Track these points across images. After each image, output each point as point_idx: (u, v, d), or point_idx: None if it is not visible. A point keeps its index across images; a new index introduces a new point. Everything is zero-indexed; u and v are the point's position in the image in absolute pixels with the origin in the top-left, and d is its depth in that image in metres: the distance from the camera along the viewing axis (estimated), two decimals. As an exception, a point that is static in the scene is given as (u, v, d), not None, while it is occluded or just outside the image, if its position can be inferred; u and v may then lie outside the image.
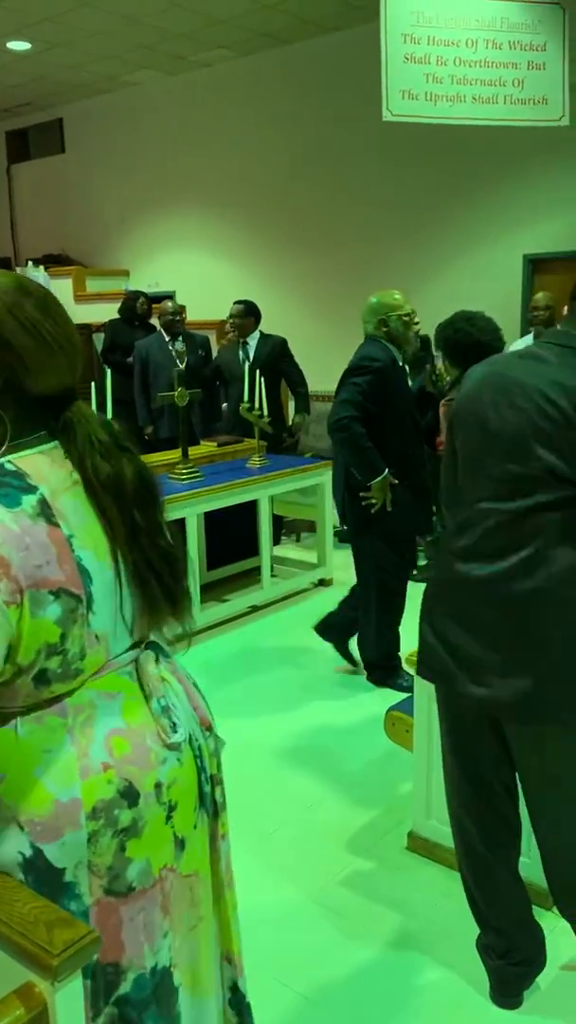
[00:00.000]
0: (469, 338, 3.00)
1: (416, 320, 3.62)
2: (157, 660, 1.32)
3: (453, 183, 7.08)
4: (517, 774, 1.92)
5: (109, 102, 9.50)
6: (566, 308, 1.89)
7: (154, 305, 7.00)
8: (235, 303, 5.79)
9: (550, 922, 2.23)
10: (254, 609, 4.83)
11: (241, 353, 5.63)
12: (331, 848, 2.68)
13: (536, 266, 6.87)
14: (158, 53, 8.08)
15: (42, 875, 1.16)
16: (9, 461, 1.17)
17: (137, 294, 7.19)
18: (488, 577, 1.73)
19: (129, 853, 1.21)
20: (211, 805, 1.39)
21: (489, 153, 6.72)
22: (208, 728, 1.40)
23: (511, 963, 2.02)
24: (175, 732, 1.28)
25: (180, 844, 1.30)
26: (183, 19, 7.16)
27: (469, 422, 1.80)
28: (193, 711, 1.37)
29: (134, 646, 1.31)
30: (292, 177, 8.09)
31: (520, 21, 5.59)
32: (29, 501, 1.13)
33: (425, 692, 2.48)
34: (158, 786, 1.25)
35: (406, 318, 3.49)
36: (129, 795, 1.21)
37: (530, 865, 2.20)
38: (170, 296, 8.59)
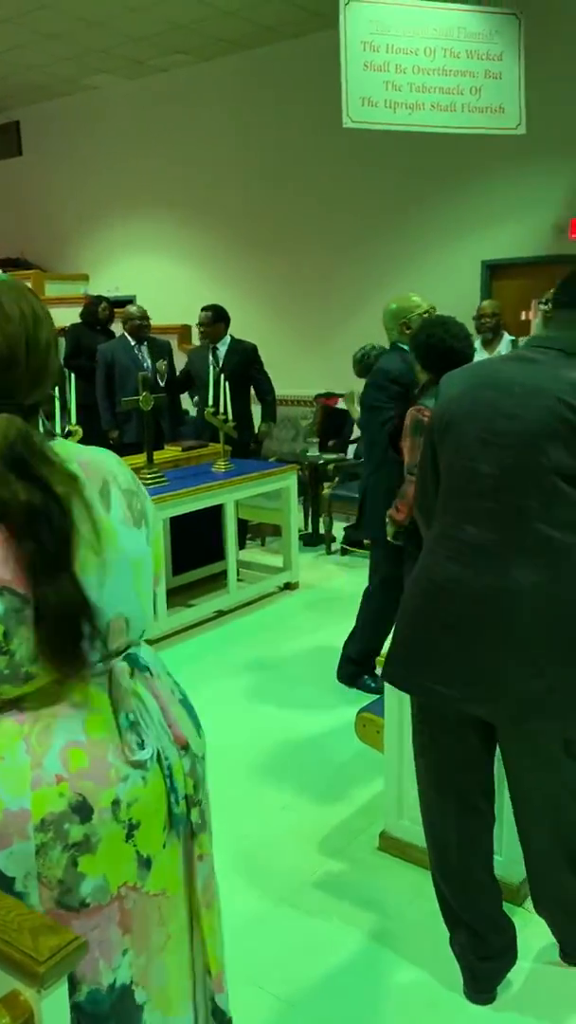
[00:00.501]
0: (443, 344, 2.97)
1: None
2: (132, 673, 1.30)
3: (413, 189, 7.16)
4: (508, 776, 1.94)
5: (67, 105, 9.43)
6: (532, 313, 1.94)
7: (118, 310, 6.96)
8: (203, 309, 5.78)
9: (521, 917, 2.26)
10: (220, 614, 4.83)
11: (211, 358, 5.62)
12: (303, 850, 2.68)
13: (494, 272, 6.97)
14: (117, 57, 8.05)
15: None
16: None
17: (99, 299, 7.14)
18: (504, 583, 1.73)
19: (82, 868, 1.19)
20: (185, 826, 1.35)
21: (448, 160, 6.81)
22: (184, 747, 1.36)
23: (484, 959, 2.05)
24: (141, 749, 1.25)
25: (145, 863, 1.27)
26: (142, 23, 7.15)
27: (465, 427, 1.79)
28: (167, 728, 1.33)
29: (109, 656, 1.28)
30: (251, 182, 8.11)
31: (477, 31, 5.67)
32: None
33: (396, 694, 2.50)
34: (116, 803, 1.22)
35: (426, 316, 3.49)
36: (81, 810, 1.19)
37: (501, 862, 2.23)
38: (131, 300, 8.55)
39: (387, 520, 3.31)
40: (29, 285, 1.44)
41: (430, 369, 3.03)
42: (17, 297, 1.22)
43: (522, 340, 4.15)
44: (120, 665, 1.28)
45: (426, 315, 3.52)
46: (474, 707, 1.81)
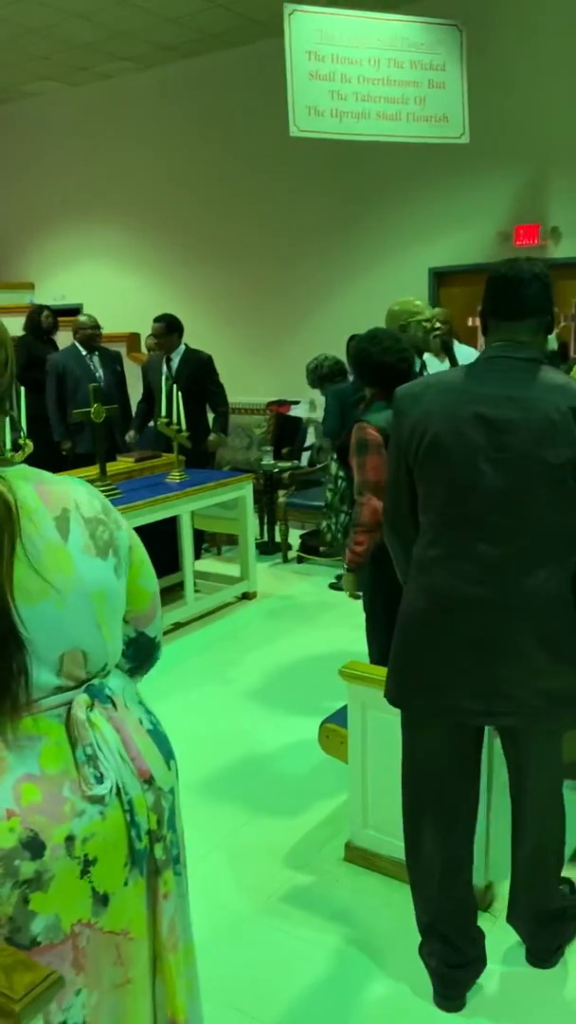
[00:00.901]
0: (371, 359, 2.90)
1: (437, 326, 3.62)
2: (92, 705, 1.27)
3: (361, 198, 7.21)
4: (512, 778, 2.02)
5: (9, 112, 9.30)
6: (475, 320, 1.98)
7: (66, 319, 6.88)
8: (155, 320, 5.71)
9: (487, 921, 2.29)
10: (178, 626, 4.79)
11: (165, 369, 5.59)
12: (269, 864, 2.68)
13: (441, 279, 7.05)
14: (60, 64, 7.96)
15: None
16: None
17: (41, 307, 7.02)
18: (521, 595, 1.80)
19: (33, 906, 1.16)
20: (148, 862, 1.32)
21: (395, 168, 6.87)
22: (147, 780, 1.32)
23: (454, 967, 2.06)
24: (99, 783, 1.23)
25: (102, 900, 1.24)
26: (84, 30, 7.09)
27: (459, 445, 1.80)
28: (129, 761, 1.30)
29: (68, 688, 1.26)
30: (198, 189, 8.08)
31: (420, 41, 5.74)
32: None
33: (358, 703, 2.51)
34: (70, 839, 1.20)
35: (427, 324, 3.45)
36: (32, 846, 1.17)
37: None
38: (77, 309, 8.46)
39: (345, 561, 3.04)
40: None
41: (368, 384, 2.99)
42: None
43: (477, 349, 4.19)
44: (79, 697, 1.26)
45: (427, 324, 3.45)
46: (500, 719, 1.87)
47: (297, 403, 7.41)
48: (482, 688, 1.82)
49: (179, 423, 4.76)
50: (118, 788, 1.26)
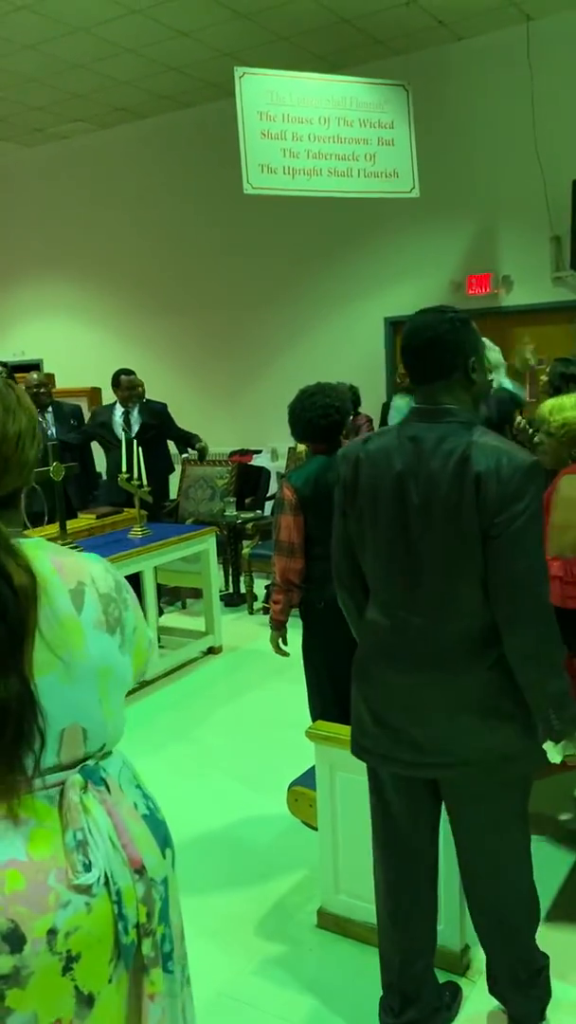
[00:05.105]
0: (294, 416, 2.97)
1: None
2: (86, 787, 1.21)
3: (315, 250, 7.33)
4: (454, 829, 1.98)
5: (-35, 172, 9.36)
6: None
7: (18, 374, 6.83)
8: (127, 372, 5.72)
9: (465, 986, 2.23)
10: (143, 684, 4.70)
11: (121, 422, 5.58)
12: (240, 935, 2.59)
13: (397, 328, 7.16)
14: (15, 125, 8.05)
15: None
16: None
17: None
18: (437, 649, 1.82)
19: (10, 1003, 1.10)
20: (134, 958, 1.23)
21: (348, 222, 7.01)
22: (138, 869, 1.24)
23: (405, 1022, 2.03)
24: (86, 872, 1.16)
25: (86, 1001, 1.16)
26: (40, 93, 7.19)
27: (388, 502, 1.83)
28: (121, 849, 1.22)
29: (64, 767, 1.20)
30: (156, 245, 8.17)
31: (368, 100, 5.91)
32: None
33: (326, 764, 2.46)
34: (52, 932, 1.12)
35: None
36: (12, 939, 1.10)
37: (441, 931, 2.20)
38: (37, 365, 8.45)
39: (270, 624, 3.09)
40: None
41: (300, 440, 3.07)
42: None
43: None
44: (73, 778, 1.20)
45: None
46: (429, 772, 1.88)
47: (259, 452, 7.42)
48: (413, 742, 1.85)
49: (140, 478, 4.73)
50: (106, 877, 1.19)
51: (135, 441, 4.87)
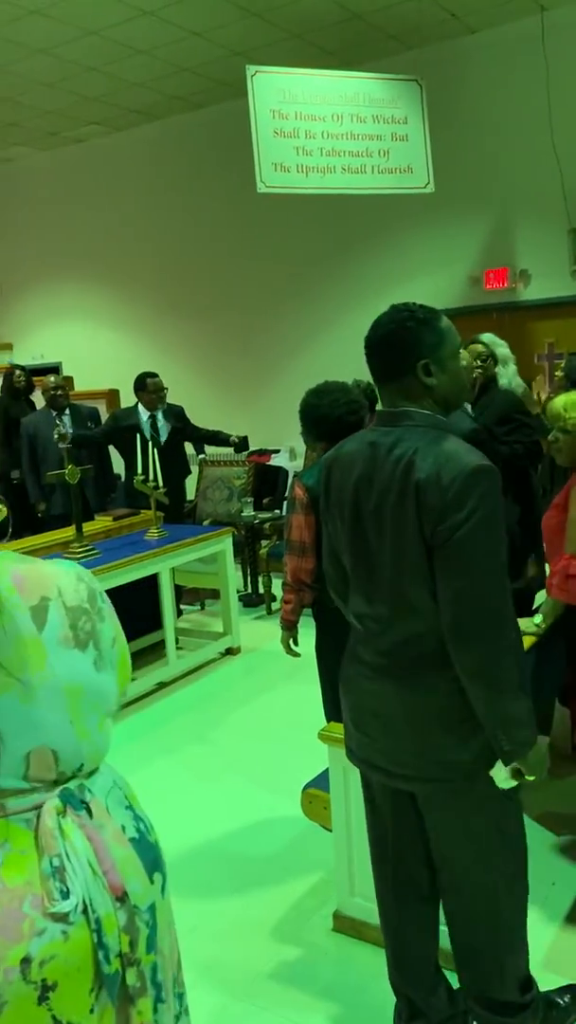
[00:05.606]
0: (317, 413, 2.84)
1: (476, 365, 3.66)
2: (64, 811, 1.17)
3: (331, 248, 7.29)
4: (431, 841, 1.89)
5: (-18, 178, 9.42)
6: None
7: (36, 378, 6.87)
8: (153, 376, 5.64)
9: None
10: (161, 686, 4.70)
11: (148, 425, 5.54)
12: (256, 938, 2.57)
13: (415, 324, 7.11)
14: (30, 130, 8.09)
15: None
16: None
17: (12, 368, 7.00)
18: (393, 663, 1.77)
19: None
20: (120, 989, 1.19)
21: (364, 219, 6.96)
22: (120, 897, 1.20)
23: None
24: (64, 899, 1.12)
25: None
26: (53, 97, 7.21)
27: (337, 509, 1.81)
28: (101, 875, 1.19)
29: (38, 789, 1.17)
30: (172, 246, 8.17)
31: (381, 96, 5.86)
32: None
33: (340, 766, 2.44)
34: (26, 961, 1.09)
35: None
36: None
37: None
38: (55, 368, 8.49)
39: (281, 624, 3.05)
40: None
41: (316, 439, 2.90)
42: None
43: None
44: (50, 802, 1.17)
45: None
46: (399, 783, 1.83)
47: (277, 452, 7.41)
48: (383, 752, 1.82)
49: (156, 480, 4.73)
50: (85, 905, 1.15)
51: (157, 446, 4.86)
